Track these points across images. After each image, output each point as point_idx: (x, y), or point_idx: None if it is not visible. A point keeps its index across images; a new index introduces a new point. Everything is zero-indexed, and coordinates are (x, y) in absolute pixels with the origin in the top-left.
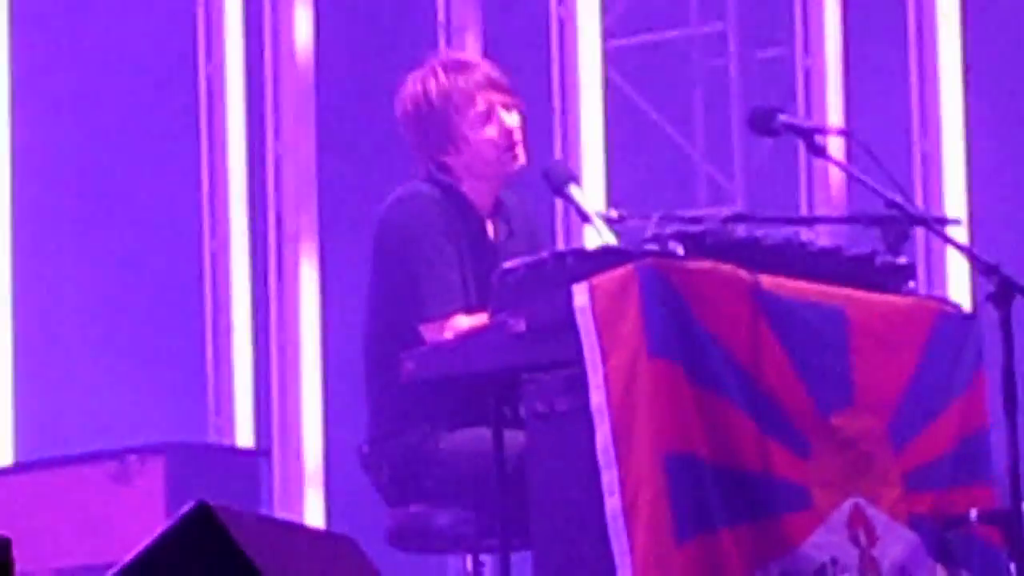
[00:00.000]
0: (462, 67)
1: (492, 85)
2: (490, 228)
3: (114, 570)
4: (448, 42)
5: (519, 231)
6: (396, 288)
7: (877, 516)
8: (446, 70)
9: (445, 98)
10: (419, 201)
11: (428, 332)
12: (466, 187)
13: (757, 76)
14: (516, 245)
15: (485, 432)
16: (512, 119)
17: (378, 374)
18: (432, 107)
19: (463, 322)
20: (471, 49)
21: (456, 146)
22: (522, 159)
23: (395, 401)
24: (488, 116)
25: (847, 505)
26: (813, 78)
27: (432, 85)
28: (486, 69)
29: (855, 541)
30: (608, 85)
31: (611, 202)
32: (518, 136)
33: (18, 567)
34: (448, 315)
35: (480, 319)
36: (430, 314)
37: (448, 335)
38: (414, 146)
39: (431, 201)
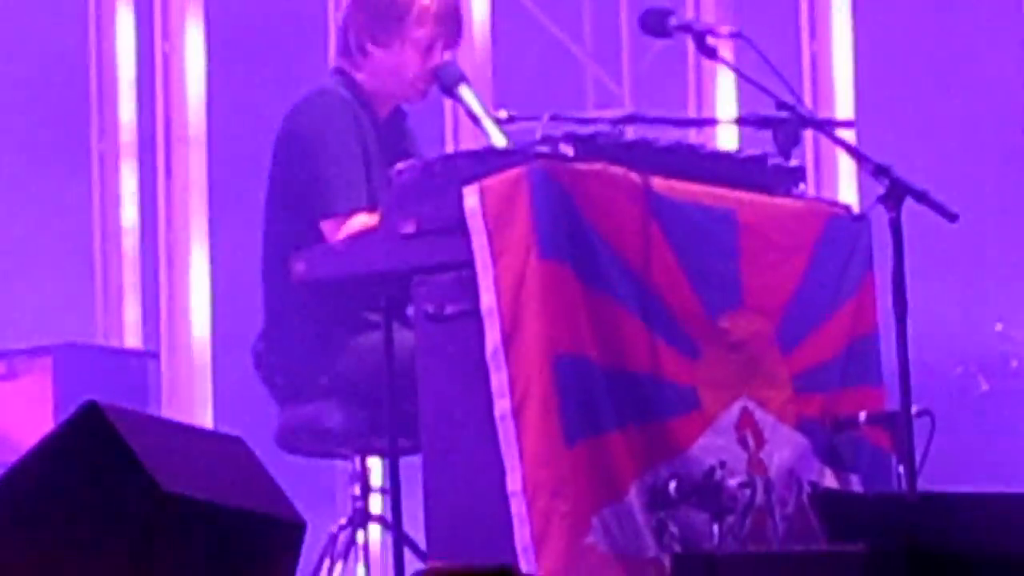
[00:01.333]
0: None
1: (451, 20)
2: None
3: (4, 471)
4: None
5: (401, 152)
6: (301, 185)
7: (765, 419)
8: None
9: (393, 12)
10: (328, 100)
11: (328, 228)
12: (370, 89)
13: None
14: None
15: (377, 333)
16: (436, 58)
17: (274, 273)
18: (372, 8)
19: (363, 220)
20: None
21: (387, 48)
22: (423, 97)
23: (289, 301)
24: (429, 48)
25: (735, 407)
26: None
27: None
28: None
29: (743, 444)
30: None
31: (500, 104)
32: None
33: None
34: (351, 212)
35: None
36: (334, 210)
37: (346, 231)
38: (350, 21)
39: (340, 100)
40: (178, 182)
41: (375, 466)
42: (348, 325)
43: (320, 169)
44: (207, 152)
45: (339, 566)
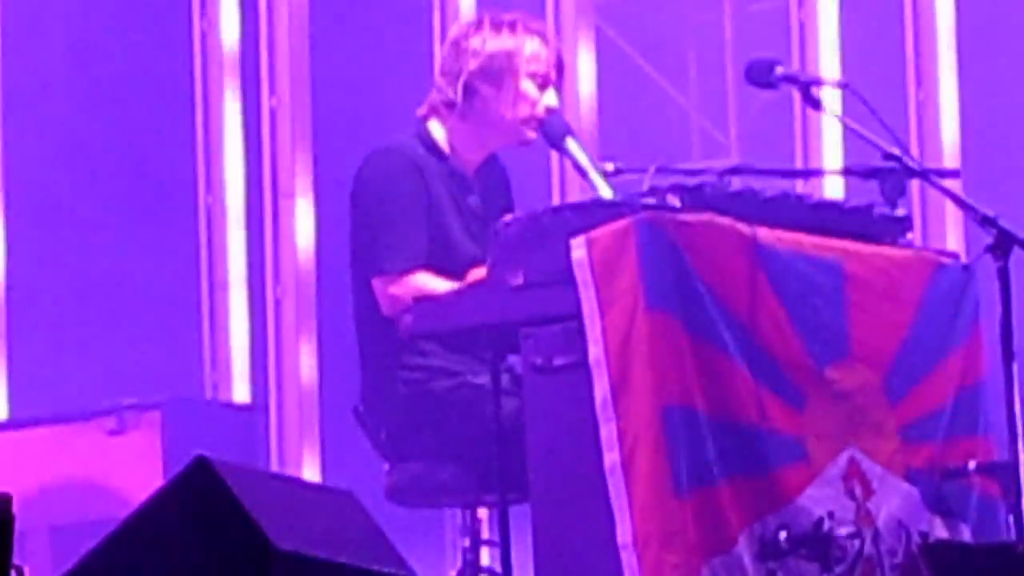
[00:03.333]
0: (534, 32)
1: (558, 63)
2: (472, 194)
3: (116, 525)
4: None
5: (497, 198)
6: (361, 243)
7: (873, 469)
8: (514, 29)
9: (504, 54)
10: (393, 157)
11: (379, 286)
12: (459, 143)
13: (750, 28)
14: (491, 211)
15: (482, 386)
16: (549, 98)
17: (366, 330)
18: (484, 54)
19: (416, 279)
20: (464, 4)
21: (500, 87)
22: (530, 139)
23: (383, 357)
24: (543, 85)
25: (843, 458)
26: (807, 30)
27: (497, 37)
28: (554, 44)
29: (851, 494)
30: (601, 38)
31: (606, 156)
32: (541, 113)
33: (16, 524)
34: (404, 272)
35: (438, 282)
36: (384, 268)
37: (399, 290)
38: (456, 66)
39: (406, 159)
40: (284, 234)
41: (484, 517)
42: (449, 383)
43: (373, 227)
44: (314, 205)
45: None
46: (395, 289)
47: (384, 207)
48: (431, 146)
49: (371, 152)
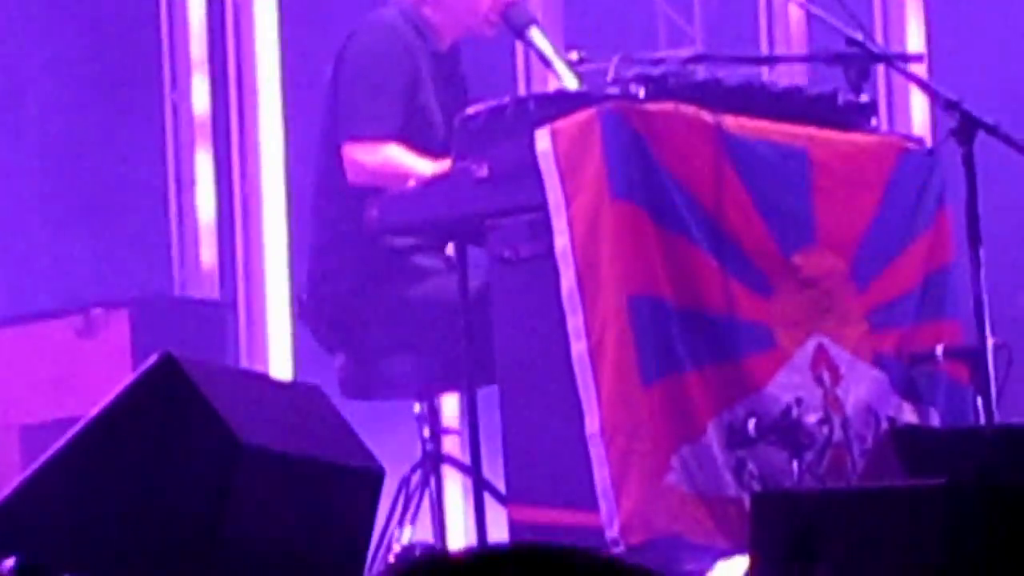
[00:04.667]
0: None
1: None
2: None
3: (82, 422)
4: None
5: (460, 86)
6: (338, 108)
7: (841, 355)
8: None
9: None
10: (384, 29)
11: (349, 151)
12: (433, 26)
13: None
14: (459, 99)
15: (429, 281)
16: None
17: (320, 207)
18: None
19: (396, 152)
20: None
21: None
22: (492, 32)
23: (339, 238)
24: None
25: (811, 344)
26: None
27: None
28: None
29: (819, 381)
30: None
31: (570, 45)
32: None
33: None
34: (378, 139)
35: (411, 157)
36: (358, 133)
37: (369, 157)
38: None
39: (396, 33)
40: (250, 129)
41: (448, 406)
42: (399, 277)
43: (353, 93)
44: (281, 94)
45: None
46: (365, 156)
47: (367, 75)
48: (416, 24)
49: (361, 22)
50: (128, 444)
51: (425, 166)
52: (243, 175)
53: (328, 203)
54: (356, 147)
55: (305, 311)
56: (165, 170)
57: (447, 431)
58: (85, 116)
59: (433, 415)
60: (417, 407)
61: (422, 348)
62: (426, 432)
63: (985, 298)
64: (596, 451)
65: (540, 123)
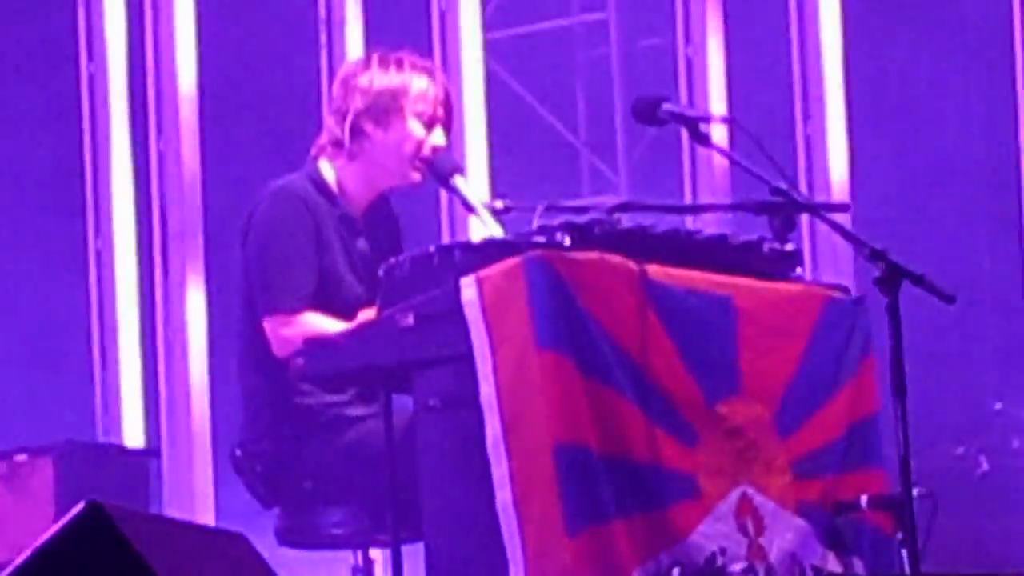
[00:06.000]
0: (422, 71)
1: (446, 104)
2: (361, 236)
3: (6, 571)
4: (329, 35)
5: (384, 239)
6: (251, 282)
7: (764, 504)
8: (401, 67)
9: (390, 93)
10: (286, 198)
11: (270, 325)
12: (348, 184)
13: (638, 65)
14: (380, 252)
15: (354, 428)
16: (436, 137)
17: (247, 370)
18: (372, 93)
19: (306, 319)
20: (352, 41)
21: (387, 128)
22: (418, 181)
23: (269, 398)
24: (430, 124)
25: (734, 494)
26: (695, 66)
27: (384, 75)
28: (441, 82)
29: (743, 530)
30: (490, 76)
31: (496, 193)
32: (428, 153)
33: None
34: (295, 311)
35: (329, 323)
36: (275, 308)
37: (290, 331)
38: (344, 106)
39: (298, 199)
40: (174, 278)
41: (378, 557)
42: (327, 427)
43: (264, 267)
44: (203, 248)
45: None
46: (286, 330)
47: (275, 247)
48: (321, 186)
49: (263, 192)
50: None
51: (342, 328)
52: (166, 321)
53: (253, 363)
54: (275, 321)
55: (240, 468)
56: (89, 312)
57: None
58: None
59: (367, 566)
60: (351, 558)
61: (352, 499)
62: None
63: (909, 447)
64: None
65: (465, 271)
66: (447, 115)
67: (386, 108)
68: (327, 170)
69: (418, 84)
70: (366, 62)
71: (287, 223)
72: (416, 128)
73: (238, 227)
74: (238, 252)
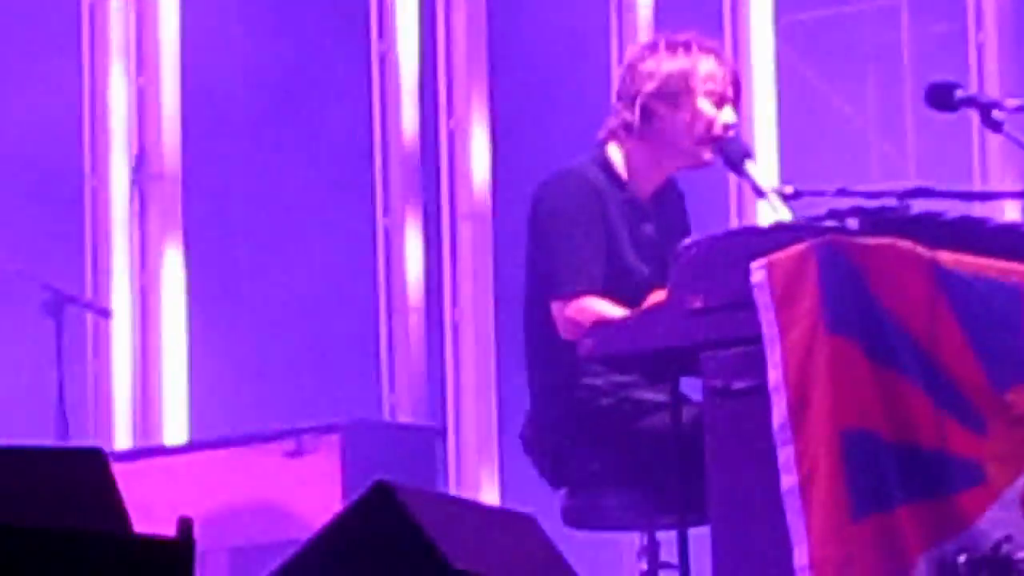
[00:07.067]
0: (708, 51)
1: (735, 83)
2: (648, 220)
3: (296, 550)
4: (620, 17)
5: (672, 223)
6: (539, 265)
7: None
8: (689, 50)
9: (680, 74)
10: (574, 180)
11: (558, 309)
12: (638, 167)
13: (929, 49)
14: (668, 237)
15: (649, 417)
16: (726, 115)
17: (535, 351)
18: (661, 76)
19: (592, 303)
20: (642, 25)
21: (678, 108)
22: (709, 158)
23: (556, 379)
24: (720, 102)
25: (1021, 481)
26: (986, 52)
27: (673, 58)
28: (728, 62)
29: None
30: (779, 58)
31: (784, 178)
32: (719, 131)
33: (197, 546)
34: (582, 294)
35: (614, 309)
36: (563, 291)
37: (577, 314)
38: (633, 89)
39: (586, 182)
40: (462, 255)
41: (664, 540)
42: (615, 409)
43: (552, 249)
44: (492, 227)
45: None
46: (573, 312)
47: (564, 229)
48: (609, 171)
49: (550, 175)
50: (341, 571)
51: (626, 314)
52: (453, 300)
53: (541, 345)
54: (563, 305)
55: (529, 448)
56: (376, 294)
57: (666, 565)
58: (297, 243)
59: (653, 548)
60: (636, 540)
61: (640, 482)
62: (643, 566)
63: None
64: None
65: (756, 255)
66: (736, 94)
67: (676, 90)
68: (615, 154)
69: (706, 65)
70: (653, 46)
71: (576, 206)
72: (707, 107)
73: (525, 213)
74: (525, 236)
